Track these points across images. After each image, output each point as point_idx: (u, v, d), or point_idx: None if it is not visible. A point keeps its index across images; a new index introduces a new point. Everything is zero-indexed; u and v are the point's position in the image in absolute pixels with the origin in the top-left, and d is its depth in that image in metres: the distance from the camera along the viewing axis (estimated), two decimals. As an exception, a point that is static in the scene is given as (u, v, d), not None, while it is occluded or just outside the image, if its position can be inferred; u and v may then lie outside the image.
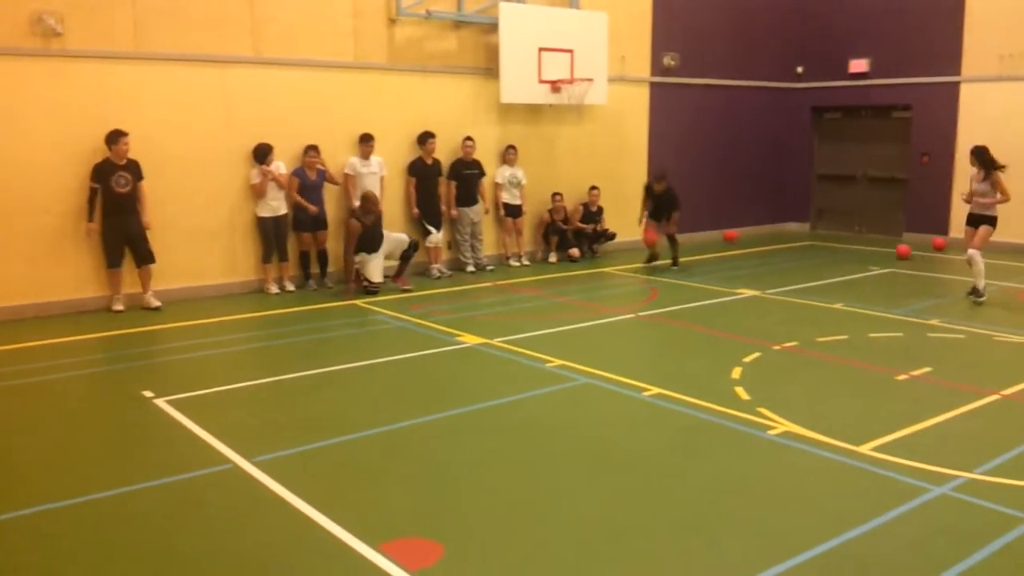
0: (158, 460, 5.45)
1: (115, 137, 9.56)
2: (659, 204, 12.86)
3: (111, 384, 7.24)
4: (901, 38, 15.70)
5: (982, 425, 5.98)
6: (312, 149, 10.92)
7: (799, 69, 17.20)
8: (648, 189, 13.03)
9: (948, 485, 4.89)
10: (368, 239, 10.78)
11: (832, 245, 15.57)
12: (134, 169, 9.74)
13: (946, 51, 15.11)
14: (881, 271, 12.54)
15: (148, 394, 6.70)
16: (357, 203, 11.22)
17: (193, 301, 10.26)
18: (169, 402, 6.52)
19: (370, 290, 10.74)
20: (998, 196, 10.13)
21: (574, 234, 13.65)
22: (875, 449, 5.44)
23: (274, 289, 10.87)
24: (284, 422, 6.19)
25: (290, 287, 11.02)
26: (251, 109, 10.75)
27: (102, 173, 9.54)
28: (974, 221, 10.35)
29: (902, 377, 7.07)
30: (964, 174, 15.00)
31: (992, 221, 10.22)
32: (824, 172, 17.54)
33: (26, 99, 9.33)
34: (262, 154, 10.60)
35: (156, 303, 9.91)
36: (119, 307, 9.75)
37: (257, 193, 10.67)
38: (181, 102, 10.26)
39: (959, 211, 15.11)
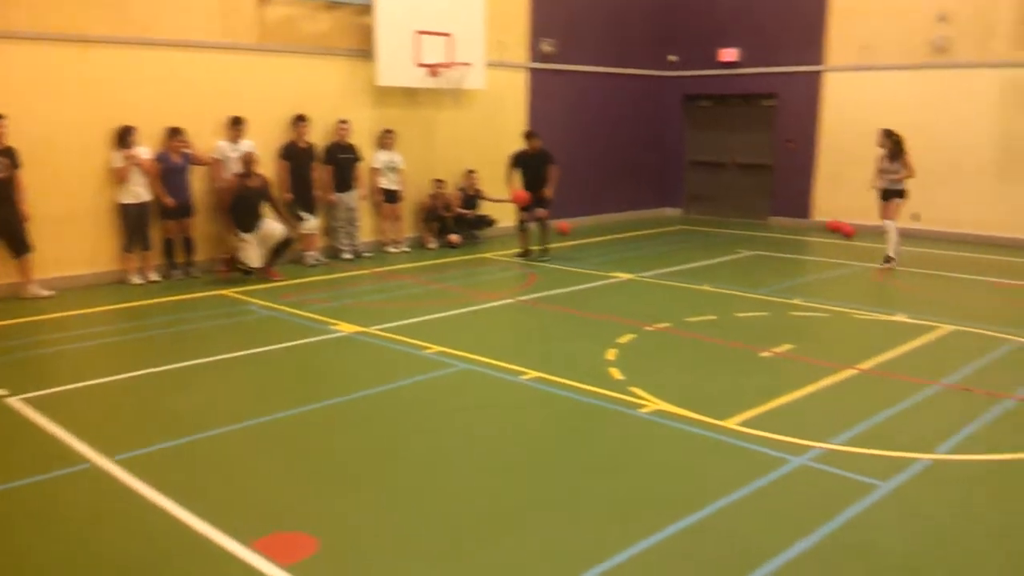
0: (9, 462, 5.13)
1: None
2: (532, 170, 12.23)
3: (-43, 383, 6.79)
4: (768, 28, 16.30)
5: (839, 398, 6.29)
6: (176, 132, 10.48)
7: (672, 57, 17.63)
8: (516, 158, 12.34)
9: (807, 455, 5.12)
10: (244, 207, 10.40)
11: (704, 229, 16.07)
12: (11, 155, 9.19)
13: (810, 41, 15.77)
14: (749, 253, 13.02)
15: (1, 392, 6.30)
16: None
17: (52, 292, 9.71)
18: (24, 400, 6.15)
19: (245, 272, 10.45)
20: (904, 172, 11.45)
21: (454, 220, 13.61)
22: (740, 423, 5.64)
23: (137, 279, 10.40)
24: (148, 418, 5.94)
25: (154, 277, 10.57)
26: (113, 90, 10.22)
27: None
28: (887, 196, 11.58)
29: (765, 354, 7.36)
30: (826, 160, 15.78)
31: (903, 194, 11.58)
32: (696, 158, 18.07)
33: None
34: (124, 137, 10.12)
35: (45, 292, 9.47)
36: None
37: (119, 178, 10.17)
38: (39, 83, 9.66)
39: (821, 195, 15.93)
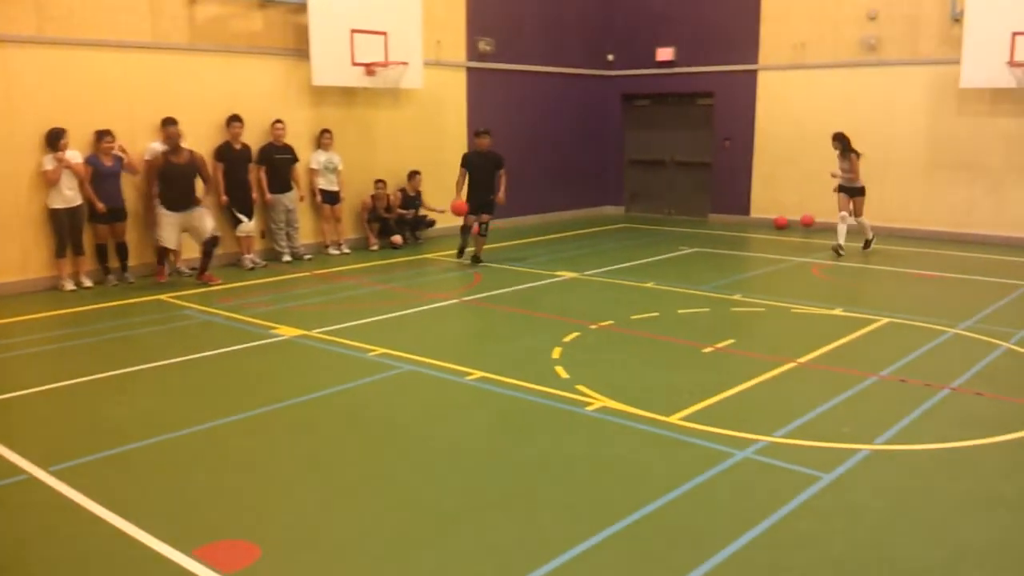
0: (-67, 477, 4.93)
1: None
2: (481, 172, 11.78)
3: None
4: (704, 28, 16.51)
5: (780, 392, 6.38)
6: (106, 134, 10.19)
7: (610, 57, 17.75)
8: (465, 158, 11.93)
9: (750, 449, 5.18)
10: (171, 185, 10.15)
11: (645, 227, 16.21)
12: None
13: (745, 41, 16.02)
14: (690, 250, 13.17)
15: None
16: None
17: (-24, 301, 9.38)
18: (-53, 413, 5.92)
19: (161, 256, 10.39)
20: (854, 173, 12.61)
21: (396, 221, 13.49)
22: (684, 418, 5.68)
23: (70, 286, 10.09)
24: (84, 428, 5.75)
25: (87, 283, 10.27)
26: (38, 92, 9.89)
27: None
28: (847, 191, 12.66)
29: (708, 350, 7.43)
30: (762, 158, 16.04)
31: (862, 191, 12.69)
32: (635, 157, 18.22)
33: None
34: (54, 139, 9.80)
35: None
36: None
37: (50, 182, 9.85)
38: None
39: (759, 192, 16.20)
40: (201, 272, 10.55)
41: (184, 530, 4.23)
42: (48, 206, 9.96)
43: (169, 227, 10.25)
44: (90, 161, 10.15)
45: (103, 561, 4.00)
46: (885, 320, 8.40)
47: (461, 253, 12.10)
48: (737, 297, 9.58)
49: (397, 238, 13.36)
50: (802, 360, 7.07)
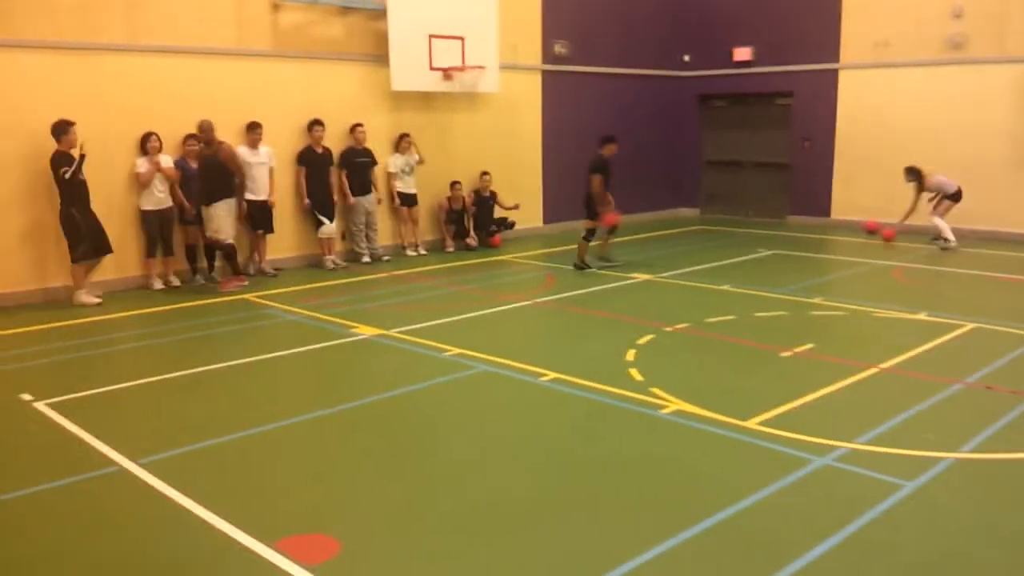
0: (40, 465, 5.19)
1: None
2: (611, 177, 11.35)
3: (-17, 389, 6.86)
4: (782, 27, 16.23)
5: (862, 398, 6.25)
6: (192, 138, 10.56)
7: (686, 57, 17.60)
8: (604, 163, 11.28)
9: (830, 456, 5.10)
10: (208, 179, 10.21)
11: (721, 229, 16.01)
12: (83, 159, 9.52)
13: (824, 39, 15.70)
14: (767, 253, 12.96)
15: (27, 397, 6.37)
16: (247, 194, 10.98)
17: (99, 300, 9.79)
18: (50, 405, 6.21)
19: (222, 251, 10.43)
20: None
21: (474, 223, 13.62)
22: (761, 423, 5.62)
23: (159, 284, 10.49)
24: (172, 422, 5.98)
25: (176, 282, 10.65)
26: (129, 98, 10.31)
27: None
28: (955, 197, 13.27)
29: (786, 354, 7.32)
30: (843, 158, 15.70)
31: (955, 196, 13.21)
32: (712, 158, 18.01)
33: None
34: (146, 143, 10.21)
35: (94, 299, 9.68)
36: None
37: (142, 184, 10.26)
38: (53, 92, 9.75)
39: (839, 194, 15.85)
40: (223, 277, 10.65)
41: (266, 522, 4.37)
42: (140, 208, 10.36)
43: (223, 219, 10.32)
44: (179, 164, 10.53)
45: (188, 549, 4.16)
46: (971, 325, 8.15)
47: (585, 266, 11.49)
48: (817, 300, 9.41)
49: (472, 239, 13.48)
50: (884, 365, 6.91)
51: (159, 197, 10.35)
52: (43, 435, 5.71)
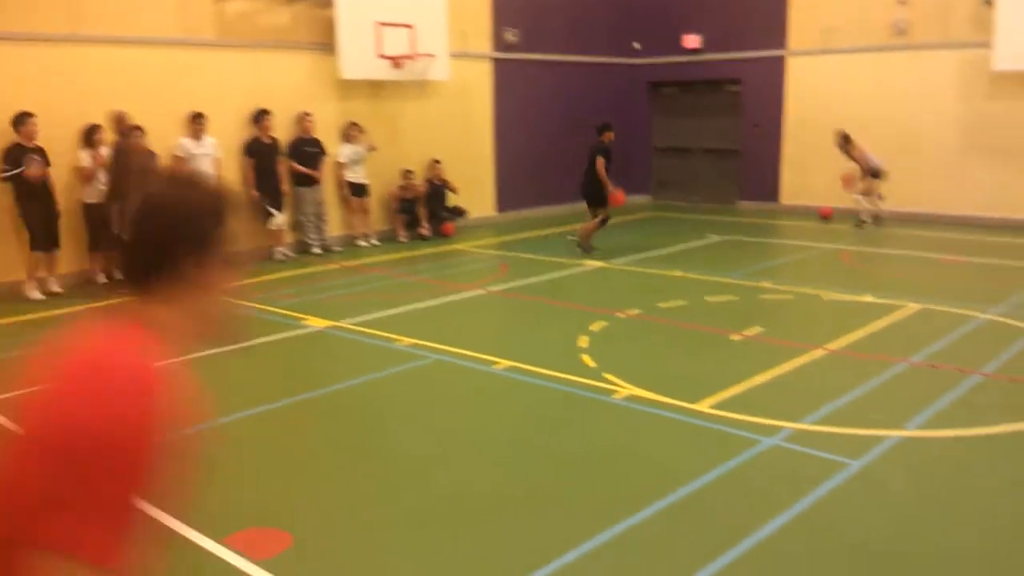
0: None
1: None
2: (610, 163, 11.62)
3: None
4: (730, 14, 16.36)
5: (809, 379, 6.35)
6: (137, 130, 10.33)
7: (636, 45, 17.66)
8: (605, 149, 11.66)
9: (779, 436, 5.17)
10: (117, 173, 9.65)
11: (672, 215, 16.13)
12: (43, 153, 9.51)
13: (772, 26, 15.85)
14: (718, 238, 13.10)
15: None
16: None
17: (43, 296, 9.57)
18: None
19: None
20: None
21: (428, 213, 13.55)
22: (712, 406, 5.68)
23: (102, 279, 10.26)
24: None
25: (120, 276, 10.41)
26: (72, 90, 10.04)
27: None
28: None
29: (736, 337, 7.41)
30: (792, 143, 15.91)
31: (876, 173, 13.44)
32: (662, 145, 18.13)
33: None
34: (90, 136, 9.94)
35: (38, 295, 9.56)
36: None
37: (86, 178, 10.00)
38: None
39: (788, 179, 16.06)
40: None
41: (216, 518, 4.29)
42: (83, 201, 10.12)
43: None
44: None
45: (140, 548, 4.09)
46: (916, 306, 8.32)
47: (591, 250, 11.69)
48: (765, 284, 9.53)
49: (425, 229, 13.42)
50: (831, 347, 7.03)
51: (103, 190, 10.11)
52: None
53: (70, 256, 10.23)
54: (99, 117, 10.10)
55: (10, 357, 7.37)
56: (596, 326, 7.82)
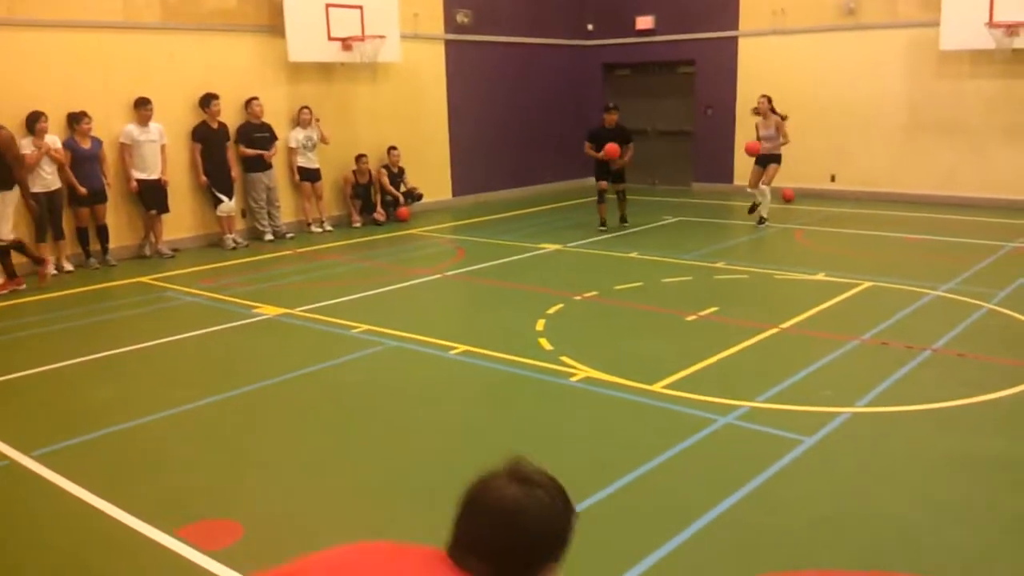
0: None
1: None
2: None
3: None
4: (682, -5, 16.39)
5: (762, 357, 6.40)
6: (82, 116, 10.07)
7: (589, 26, 17.61)
8: (593, 134, 12.22)
9: (733, 415, 5.20)
10: None
11: (628, 197, 16.11)
12: None
13: (724, 7, 15.90)
14: (673, 220, 13.16)
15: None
16: (136, 173, 10.57)
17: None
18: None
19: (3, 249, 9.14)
20: (781, 140, 12.03)
21: (380, 196, 13.42)
22: (667, 387, 5.70)
23: (50, 270, 10.01)
24: (66, 412, 5.73)
25: (68, 267, 10.18)
26: (12, 76, 9.74)
27: None
28: (763, 161, 12.07)
29: (691, 318, 7.44)
30: (745, 125, 15.99)
31: (778, 159, 12.10)
32: (618, 127, 18.09)
33: None
34: (33, 123, 9.64)
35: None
36: None
37: (28, 167, 9.71)
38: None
39: (742, 160, 16.15)
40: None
41: (167, 510, 4.22)
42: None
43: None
44: (68, 144, 10.04)
45: (87, 542, 4.00)
46: (867, 284, 8.42)
47: (604, 223, 12.28)
48: (720, 265, 9.59)
49: (380, 214, 13.29)
50: (784, 326, 7.09)
51: (46, 179, 9.82)
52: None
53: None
54: (43, 105, 9.81)
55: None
56: (553, 309, 7.81)
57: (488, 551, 1.64)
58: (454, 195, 15.31)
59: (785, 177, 14.81)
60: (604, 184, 12.24)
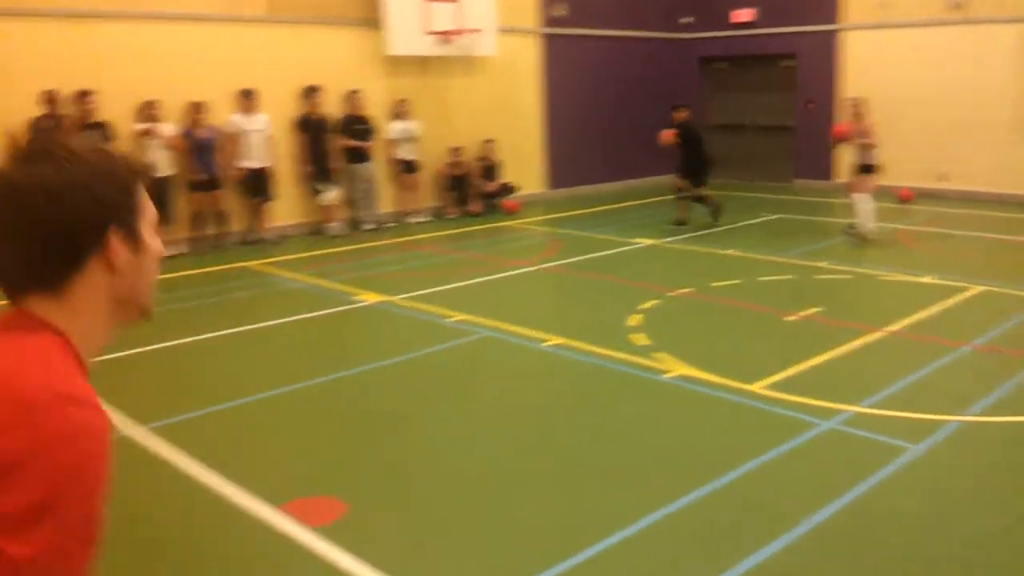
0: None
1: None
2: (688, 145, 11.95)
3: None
4: (785, -13, 16.00)
5: (868, 361, 6.22)
6: (199, 106, 10.48)
7: (685, 19, 17.35)
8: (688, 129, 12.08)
9: (835, 419, 5.08)
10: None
11: (725, 193, 15.85)
12: (103, 129, 9.67)
13: (826, 0, 15.48)
14: (772, 217, 12.88)
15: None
16: (242, 162, 10.92)
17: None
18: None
19: None
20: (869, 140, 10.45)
21: (474, 189, 13.54)
22: (766, 387, 5.60)
23: (178, 249, 10.44)
24: (179, 387, 6.00)
25: (183, 250, 10.61)
26: (125, 66, 10.21)
27: None
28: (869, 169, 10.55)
29: (791, 318, 7.29)
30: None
31: (871, 168, 10.55)
32: (715, 122, 17.81)
33: None
34: (145, 111, 10.12)
35: None
36: None
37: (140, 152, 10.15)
38: (49, 62, 9.65)
39: (844, 157, 15.69)
40: None
41: (272, 486, 4.37)
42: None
43: None
44: (187, 133, 10.47)
45: (190, 512, 4.18)
46: (978, 288, 8.09)
47: (682, 224, 11.85)
48: (822, 264, 9.36)
49: (475, 206, 13.40)
50: (891, 329, 6.88)
51: (156, 165, 10.25)
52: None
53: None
54: (157, 93, 10.23)
55: None
56: (647, 304, 7.75)
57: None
58: (549, 188, 15.33)
59: (894, 176, 14.35)
60: (681, 183, 12.06)
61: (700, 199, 12.01)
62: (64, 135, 9.29)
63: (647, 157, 17.13)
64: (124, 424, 5.21)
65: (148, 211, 1.37)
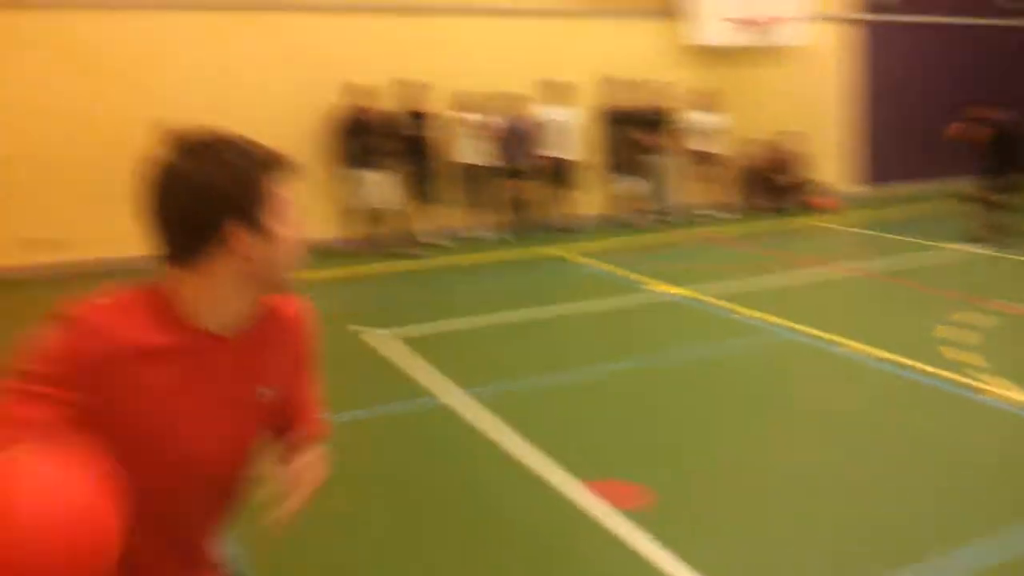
0: (371, 391, 5.85)
1: None
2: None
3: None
4: None
5: None
6: (509, 97, 11.10)
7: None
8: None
9: None
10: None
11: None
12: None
13: None
14: None
15: (382, 332, 7.08)
16: (545, 151, 11.37)
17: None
18: (399, 338, 6.90)
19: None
20: None
21: (778, 183, 13.18)
22: None
23: (488, 234, 11.17)
24: (494, 360, 6.45)
25: (502, 235, 11.25)
26: (438, 57, 11.06)
27: None
28: None
29: None
30: None
31: None
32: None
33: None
34: (464, 102, 10.88)
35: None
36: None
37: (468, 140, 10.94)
38: (375, 54, 10.74)
39: None
40: None
41: (579, 462, 4.56)
42: (462, 162, 11.05)
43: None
44: (497, 123, 11.10)
45: (499, 477, 4.51)
46: None
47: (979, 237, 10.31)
48: None
49: (778, 202, 13.06)
50: None
51: (471, 153, 10.93)
52: (368, 363, 6.42)
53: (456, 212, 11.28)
54: (469, 84, 10.94)
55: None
56: (961, 316, 7.22)
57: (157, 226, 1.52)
58: (864, 185, 14.55)
59: None
60: (984, 192, 10.25)
61: (990, 204, 10.21)
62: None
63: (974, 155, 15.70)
64: (447, 389, 5.74)
65: (278, 202, 1.53)
